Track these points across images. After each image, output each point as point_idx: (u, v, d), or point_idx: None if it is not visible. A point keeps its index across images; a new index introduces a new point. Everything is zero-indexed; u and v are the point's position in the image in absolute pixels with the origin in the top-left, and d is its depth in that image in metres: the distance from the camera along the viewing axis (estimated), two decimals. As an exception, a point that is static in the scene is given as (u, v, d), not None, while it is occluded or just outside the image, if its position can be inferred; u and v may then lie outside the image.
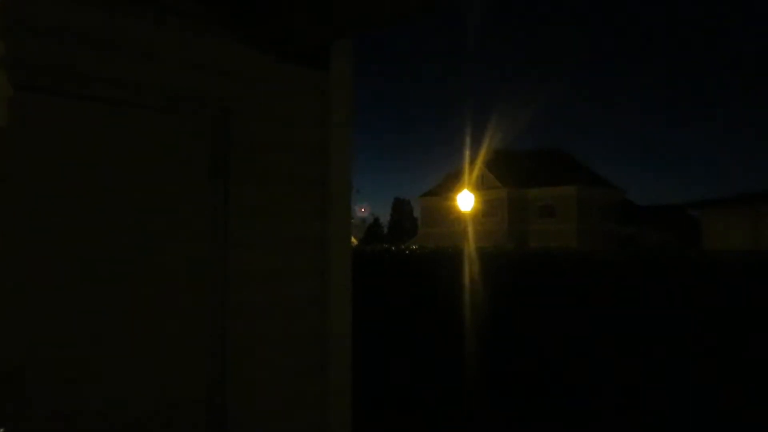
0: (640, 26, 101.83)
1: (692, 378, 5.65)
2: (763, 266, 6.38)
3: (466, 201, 25.76)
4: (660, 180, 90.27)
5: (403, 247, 10.88)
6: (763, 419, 5.10)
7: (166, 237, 2.74)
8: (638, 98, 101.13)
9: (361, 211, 62.44)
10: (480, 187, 40.60)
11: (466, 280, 7.49)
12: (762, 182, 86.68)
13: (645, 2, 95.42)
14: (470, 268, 7.72)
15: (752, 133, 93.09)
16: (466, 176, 37.16)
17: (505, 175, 42.91)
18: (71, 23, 2.48)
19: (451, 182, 42.60)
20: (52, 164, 2.46)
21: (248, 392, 2.92)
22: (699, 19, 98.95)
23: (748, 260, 6.83)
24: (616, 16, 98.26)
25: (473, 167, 41.48)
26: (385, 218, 70.09)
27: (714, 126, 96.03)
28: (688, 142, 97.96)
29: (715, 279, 6.34)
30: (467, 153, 37.61)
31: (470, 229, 30.60)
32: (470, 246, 9.84)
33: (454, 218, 39.90)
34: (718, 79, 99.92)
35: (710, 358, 5.70)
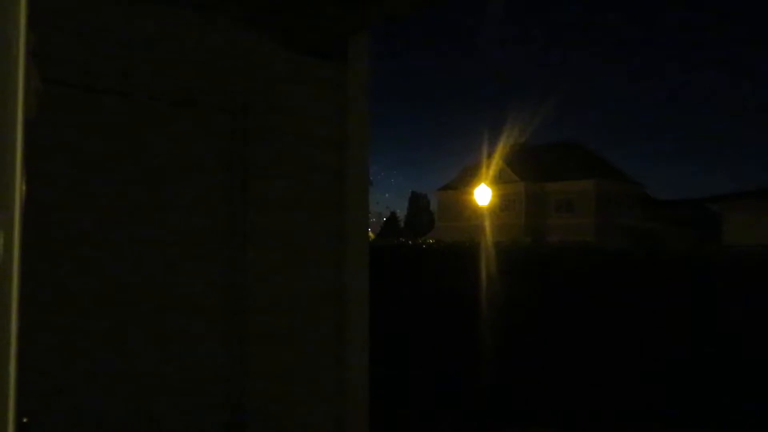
0: (660, 18, 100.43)
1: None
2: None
3: (483, 195, 25.66)
4: (679, 174, 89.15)
5: (420, 241, 10.87)
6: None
7: (185, 229, 2.78)
8: (658, 92, 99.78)
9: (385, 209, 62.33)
10: (497, 181, 40.38)
11: (483, 275, 7.48)
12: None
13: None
14: (486, 263, 7.70)
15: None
16: (483, 170, 37.02)
17: (523, 168, 42.64)
18: (92, 19, 2.52)
19: (468, 176, 42.44)
20: (79, 158, 2.51)
21: (270, 377, 2.96)
22: (724, 10, 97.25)
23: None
24: (638, 7, 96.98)
25: (491, 161, 41.28)
26: (402, 212, 70.03)
27: (734, 119, 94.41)
28: (707, 136, 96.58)
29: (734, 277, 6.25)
30: (485, 147, 37.46)
31: (487, 224, 30.49)
32: (487, 240, 9.82)
33: (471, 212, 39.72)
34: (740, 70, 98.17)
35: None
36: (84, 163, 2.53)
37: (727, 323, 5.94)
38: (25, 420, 2.04)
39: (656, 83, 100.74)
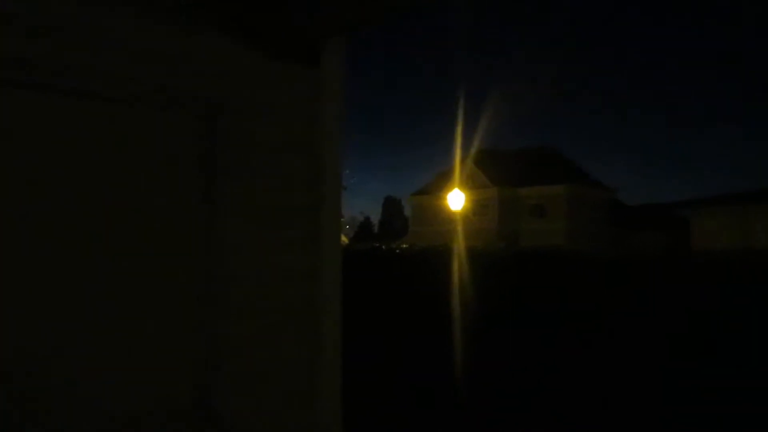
0: (632, 23, 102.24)
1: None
2: (752, 266, 6.44)
3: (456, 200, 25.81)
4: (650, 180, 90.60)
5: (393, 246, 10.86)
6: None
7: (150, 236, 2.70)
8: (630, 98, 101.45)
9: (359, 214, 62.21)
10: (471, 186, 40.66)
11: (455, 278, 7.49)
12: (751, 182, 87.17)
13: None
14: (459, 267, 7.72)
15: (741, 132, 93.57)
16: (456, 175, 37.21)
17: (496, 174, 43.02)
18: (52, 16, 2.43)
19: (441, 181, 42.67)
20: (34, 162, 2.42)
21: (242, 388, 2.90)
22: (696, 15, 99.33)
23: (734, 259, 6.90)
24: (608, 13, 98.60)
25: (464, 166, 41.55)
26: (376, 217, 70.06)
27: (704, 126, 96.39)
28: (678, 142, 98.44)
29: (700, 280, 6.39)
30: (458, 152, 37.65)
31: (460, 228, 30.62)
32: (460, 245, 9.84)
33: (444, 217, 39.95)
34: (709, 78, 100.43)
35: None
36: (44, 166, 2.43)
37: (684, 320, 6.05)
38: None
39: (629, 88, 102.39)
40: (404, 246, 10.03)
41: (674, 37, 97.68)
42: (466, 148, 41.00)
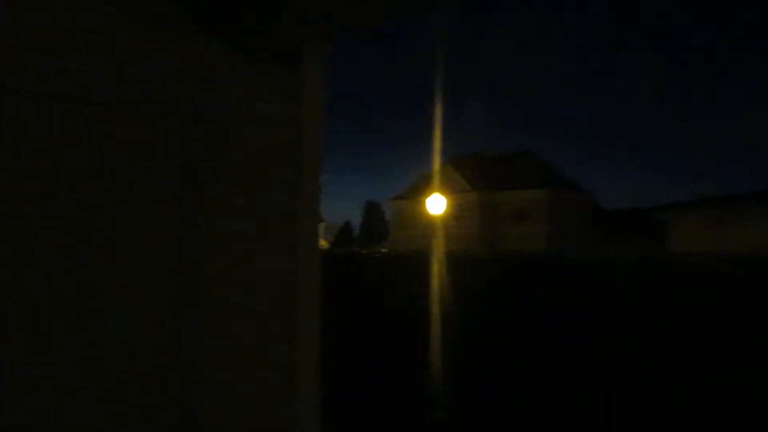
0: (614, 23, 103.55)
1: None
2: (728, 269, 6.60)
3: (436, 204, 25.92)
4: (629, 184, 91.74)
5: (374, 250, 10.91)
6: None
7: (132, 241, 2.70)
8: (609, 102, 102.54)
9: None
10: (452, 190, 40.84)
11: (434, 283, 7.54)
12: (726, 186, 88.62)
13: None
14: (439, 271, 7.78)
15: (718, 136, 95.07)
16: (436, 180, 37.37)
17: (477, 178, 43.27)
18: (25, 21, 2.44)
19: (422, 185, 42.81)
20: (11, 166, 2.41)
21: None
22: (677, 15, 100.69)
23: (709, 263, 7.08)
24: (589, 12, 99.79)
25: (444, 171, 41.72)
26: (357, 221, 69.98)
27: (681, 131, 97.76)
28: (656, 147, 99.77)
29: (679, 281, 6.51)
30: (439, 156, 37.81)
31: (441, 233, 30.75)
32: (440, 250, 9.90)
33: (425, 222, 40.07)
34: (687, 82, 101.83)
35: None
36: (22, 168, 2.43)
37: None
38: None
39: (607, 93, 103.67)
40: (383, 250, 10.06)
41: (655, 38, 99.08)
42: (446, 152, 41.22)
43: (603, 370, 6.08)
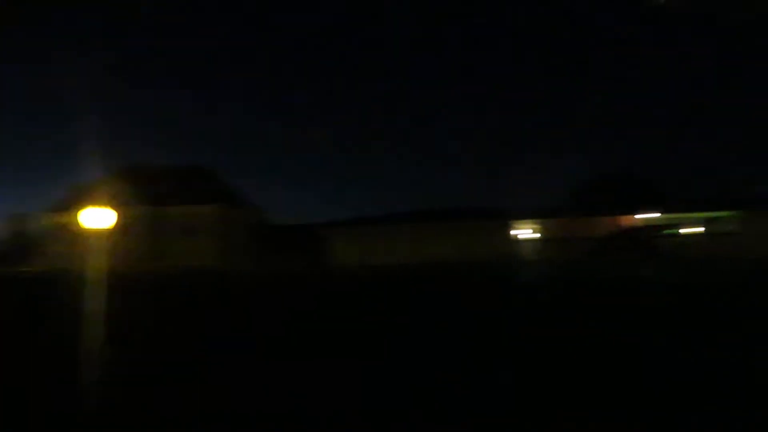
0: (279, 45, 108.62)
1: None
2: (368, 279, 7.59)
3: (95, 218, 23.88)
4: (298, 201, 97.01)
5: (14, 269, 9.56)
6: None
7: None
8: (277, 120, 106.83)
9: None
10: (116, 203, 37.99)
11: (82, 304, 7.00)
12: (372, 207, 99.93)
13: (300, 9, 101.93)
14: (89, 291, 7.24)
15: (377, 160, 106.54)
16: (100, 191, 34.43)
17: (144, 191, 41.13)
18: None
19: (81, 197, 38.93)
20: None
21: None
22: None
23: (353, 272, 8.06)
24: (265, 30, 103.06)
25: (108, 182, 38.71)
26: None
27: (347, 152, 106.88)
28: (321, 167, 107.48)
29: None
30: (100, 166, 34.89)
31: (103, 249, 28.32)
32: (98, 267, 9.19)
33: (84, 237, 36.46)
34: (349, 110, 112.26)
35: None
36: None
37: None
38: None
39: (282, 112, 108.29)
40: (25, 269, 8.95)
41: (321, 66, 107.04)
42: (111, 162, 38.24)
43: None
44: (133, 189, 40.58)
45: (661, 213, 33.20)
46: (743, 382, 4.10)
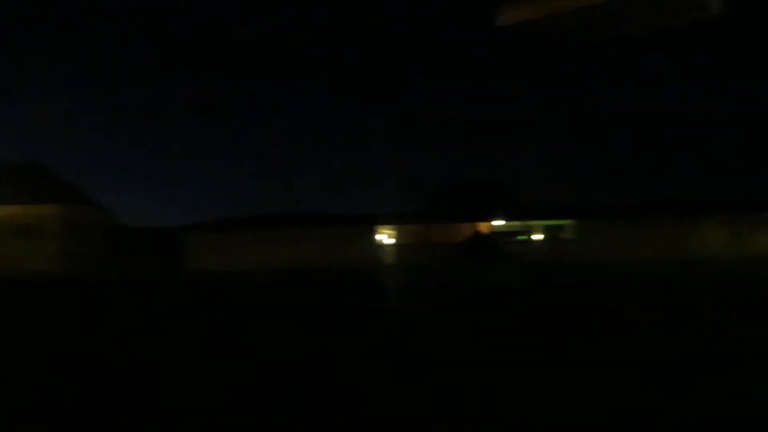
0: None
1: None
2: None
3: None
4: (153, 204, 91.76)
5: None
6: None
7: None
8: (129, 122, 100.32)
9: None
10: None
11: None
12: (233, 210, 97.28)
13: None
14: None
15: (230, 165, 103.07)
16: None
17: (-28, 189, 36.94)
18: None
19: None
20: None
21: None
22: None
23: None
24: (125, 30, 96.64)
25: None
26: None
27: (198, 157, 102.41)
28: (181, 170, 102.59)
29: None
30: None
31: None
32: None
33: None
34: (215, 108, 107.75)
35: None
36: None
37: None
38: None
39: (127, 113, 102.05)
40: None
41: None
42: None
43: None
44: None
45: (513, 220, 35.14)
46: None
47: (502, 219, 34.75)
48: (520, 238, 34.58)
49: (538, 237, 34.50)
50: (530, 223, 34.74)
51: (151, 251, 38.66)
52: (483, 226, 34.76)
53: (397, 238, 35.28)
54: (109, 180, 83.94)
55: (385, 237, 35.08)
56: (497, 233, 34.74)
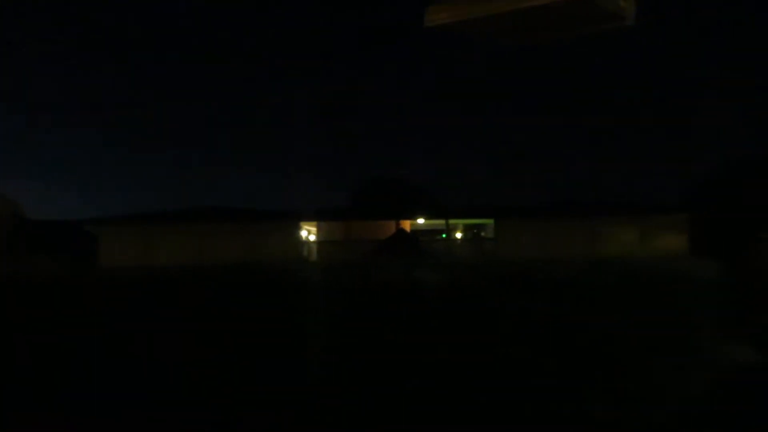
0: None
1: None
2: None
3: None
4: (58, 195, 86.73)
5: None
6: None
7: None
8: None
9: None
10: None
11: None
12: (153, 204, 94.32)
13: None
14: None
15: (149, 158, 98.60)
16: None
17: None
18: None
19: None
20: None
21: None
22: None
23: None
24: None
25: None
26: None
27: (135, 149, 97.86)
28: (95, 160, 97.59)
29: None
30: None
31: None
32: None
33: None
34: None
35: None
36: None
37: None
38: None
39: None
40: None
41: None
42: None
43: None
44: None
45: (436, 218, 35.55)
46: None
47: (424, 217, 35.07)
48: (441, 237, 35.05)
49: (459, 236, 35.05)
50: (453, 221, 35.24)
51: (62, 245, 36.93)
52: (405, 224, 34.97)
53: (319, 235, 35.05)
54: (12, 170, 78.81)
55: (305, 233, 34.77)
56: (419, 231, 35.05)
